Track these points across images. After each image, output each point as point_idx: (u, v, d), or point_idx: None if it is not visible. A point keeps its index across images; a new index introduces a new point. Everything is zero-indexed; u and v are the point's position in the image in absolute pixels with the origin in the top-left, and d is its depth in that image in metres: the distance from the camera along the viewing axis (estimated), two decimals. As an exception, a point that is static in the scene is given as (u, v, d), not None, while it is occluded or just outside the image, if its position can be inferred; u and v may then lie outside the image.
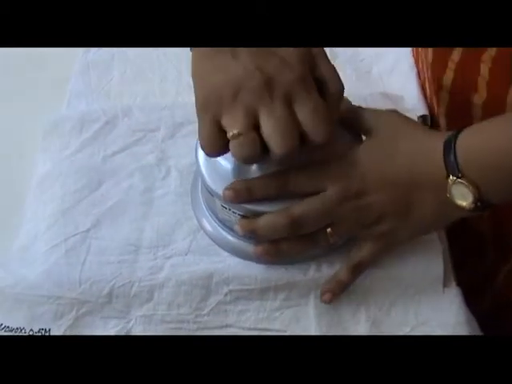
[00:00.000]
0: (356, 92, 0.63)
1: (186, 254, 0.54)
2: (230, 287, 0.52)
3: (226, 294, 0.52)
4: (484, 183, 0.44)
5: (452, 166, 0.45)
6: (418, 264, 0.52)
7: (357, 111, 0.52)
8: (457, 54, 0.56)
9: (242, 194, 0.49)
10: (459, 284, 0.53)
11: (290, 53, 0.45)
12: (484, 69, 0.53)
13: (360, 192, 0.48)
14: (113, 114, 0.64)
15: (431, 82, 0.63)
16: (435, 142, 0.47)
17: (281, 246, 0.51)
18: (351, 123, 0.52)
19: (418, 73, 0.68)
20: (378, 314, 0.52)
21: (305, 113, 0.44)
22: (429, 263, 0.52)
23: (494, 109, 0.54)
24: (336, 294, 0.52)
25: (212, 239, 0.55)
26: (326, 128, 0.44)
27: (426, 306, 0.52)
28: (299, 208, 0.48)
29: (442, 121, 0.63)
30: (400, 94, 0.66)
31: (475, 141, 0.46)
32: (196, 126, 0.49)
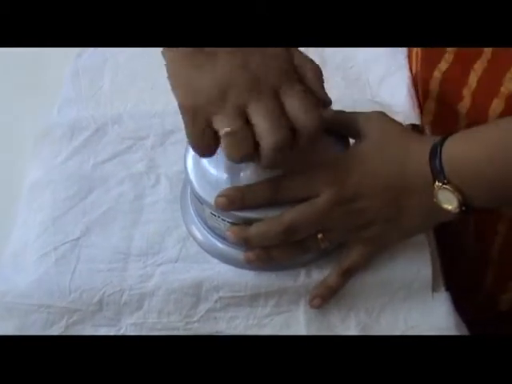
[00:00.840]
0: (345, 98, 0.64)
1: (176, 262, 0.54)
2: (220, 294, 0.52)
3: (215, 301, 0.52)
4: (468, 189, 0.46)
5: (438, 173, 0.46)
6: (407, 269, 0.53)
7: (344, 115, 0.53)
8: (445, 63, 0.57)
9: (235, 201, 0.49)
10: (448, 289, 0.54)
11: (270, 50, 0.45)
12: (472, 78, 0.54)
13: (351, 197, 0.49)
14: (103, 122, 0.64)
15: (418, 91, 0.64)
16: (422, 147, 0.48)
17: (272, 253, 0.51)
18: (339, 127, 0.53)
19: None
20: (367, 319, 0.52)
21: (293, 103, 0.44)
22: (418, 268, 0.53)
23: (476, 118, 0.55)
24: (325, 299, 0.52)
25: (201, 247, 0.55)
26: (315, 115, 0.44)
27: (416, 311, 0.52)
28: (291, 215, 0.49)
29: (428, 130, 0.64)
30: (389, 101, 0.66)
31: (459, 149, 0.47)
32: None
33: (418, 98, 0.66)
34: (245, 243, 0.50)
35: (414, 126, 0.64)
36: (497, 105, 0.53)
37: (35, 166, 0.62)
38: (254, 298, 0.52)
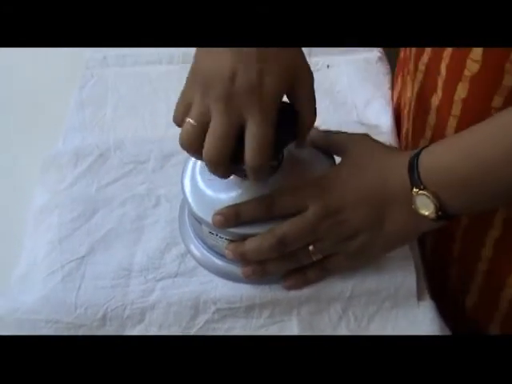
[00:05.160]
0: (333, 120, 0.68)
1: (175, 277, 0.57)
2: (217, 306, 0.55)
3: (213, 313, 0.55)
4: (443, 194, 0.48)
5: (415, 180, 0.49)
6: (392, 279, 0.55)
7: (330, 135, 0.57)
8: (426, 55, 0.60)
9: (231, 218, 0.52)
10: (433, 297, 0.57)
11: (272, 66, 0.47)
12: (443, 67, 0.57)
13: (338, 209, 0.52)
14: (106, 148, 0.68)
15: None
16: (402, 160, 0.51)
17: (267, 266, 0.54)
18: (325, 146, 0.57)
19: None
20: (357, 327, 0.55)
21: (248, 135, 0.47)
22: (403, 278, 0.55)
23: (445, 109, 0.58)
24: (298, 285, 0.55)
25: (199, 263, 0.58)
26: (258, 154, 0.47)
27: (403, 319, 0.55)
28: (283, 228, 0.52)
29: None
30: (375, 123, 0.70)
31: (435, 156, 0.50)
32: (183, 156, 0.54)
33: (399, 121, 0.69)
34: (241, 258, 0.54)
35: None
36: (462, 88, 0.55)
37: (42, 191, 0.65)
38: (250, 310, 0.55)
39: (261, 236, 0.52)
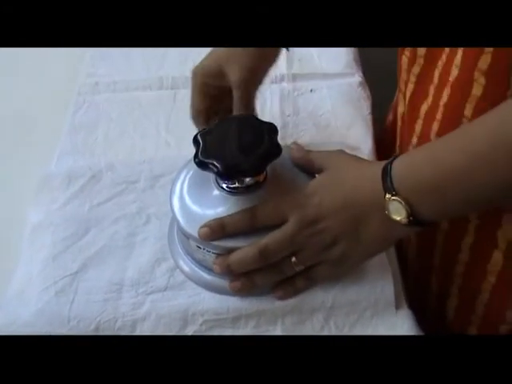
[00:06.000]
0: (316, 142, 0.71)
1: (165, 290, 0.60)
2: (205, 317, 0.58)
3: (201, 324, 0.58)
4: (414, 200, 0.51)
5: (388, 187, 0.51)
6: (372, 290, 0.58)
7: (309, 154, 0.60)
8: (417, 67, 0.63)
9: (216, 230, 0.55)
10: (416, 303, 0.59)
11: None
12: (436, 74, 0.60)
13: (316, 219, 0.55)
14: (98, 169, 0.70)
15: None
16: (376, 169, 0.53)
17: (254, 278, 0.57)
18: (305, 165, 0.60)
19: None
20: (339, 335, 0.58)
21: None
22: (382, 288, 0.58)
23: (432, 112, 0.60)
24: (288, 295, 0.58)
25: (188, 277, 0.61)
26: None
27: (382, 327, 0.57)
28: (264, 240, 0.55)
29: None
30: (357, 144, 0.73)
31: (406, 163, 0.52)
32: (172, 177, 0.56)
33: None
34: (227, 271, 0.56)
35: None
36: (446, 93, 0.57)
37: (36, 210, 0.68)
38: (236, 320, 0.58)
39: (244, 248, 0.55)
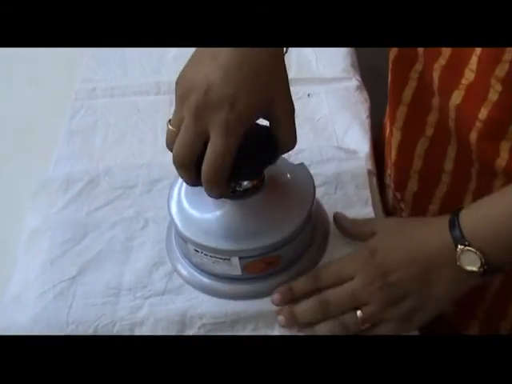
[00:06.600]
0: (313, 146, 0.71)
1: (163, 294, 0.60)
2: (203, 321, 0.58)
3: (199, 328, 0.58)
4: (489, 248, 0.50)
5: (458, 238, 0.51)
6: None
7: (358, 223, 0.61)
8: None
9: (286, 295, 0.56)
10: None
11: (250, 85, 0.48)
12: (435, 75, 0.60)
13: (385, 272, 0.54)
14: (95, 174, 0.70)
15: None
16: (440, 222, 0.53)
17: (316, 329, 0.56)
18: (354, 235, 0.61)
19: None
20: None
21: (209, 147, 0.49)
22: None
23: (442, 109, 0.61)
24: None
25: (186, 281, 0.61)
26: (211, 168, 0.49)
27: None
28: (332, 293, 0.55)
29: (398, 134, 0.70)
30: (354, 147, 0.73)
31: (476, 214, 0.53)
32: (169, 181, 0.56)
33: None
34: (294, 321, 0.56)
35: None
36: (457, 95, 0.57)
37: (34, 215, 0.68)
38: (234, 324, 0.58)
39: (310, 300, 0.55)
